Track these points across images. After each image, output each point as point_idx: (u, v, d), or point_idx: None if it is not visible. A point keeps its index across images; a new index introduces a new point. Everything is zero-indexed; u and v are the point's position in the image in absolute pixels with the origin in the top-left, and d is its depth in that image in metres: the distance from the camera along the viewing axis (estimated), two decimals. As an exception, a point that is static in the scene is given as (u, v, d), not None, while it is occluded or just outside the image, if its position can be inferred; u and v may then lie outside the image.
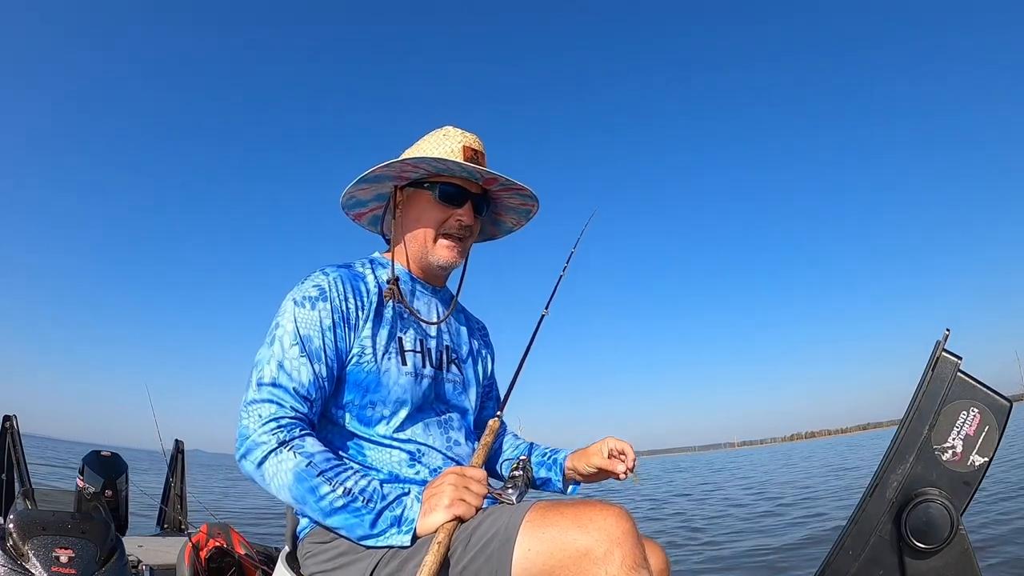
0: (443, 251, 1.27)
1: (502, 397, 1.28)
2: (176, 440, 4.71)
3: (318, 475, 1.01)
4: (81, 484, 3.04)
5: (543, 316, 1.40)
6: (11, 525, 1.89)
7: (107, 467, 3.14)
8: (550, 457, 1.44)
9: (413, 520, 1.00)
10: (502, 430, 1.50)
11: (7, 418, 3.85)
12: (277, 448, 1.02)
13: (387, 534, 1.00)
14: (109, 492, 3.04)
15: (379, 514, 1.00)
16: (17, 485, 3.73)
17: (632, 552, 0.85)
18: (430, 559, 0.90)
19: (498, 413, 1.25)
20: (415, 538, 0.99)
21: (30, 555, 1.81)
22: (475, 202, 1.28)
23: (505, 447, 1.49)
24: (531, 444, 1.50)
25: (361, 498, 1.01)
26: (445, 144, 1.26)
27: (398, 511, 1.01)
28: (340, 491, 1.00)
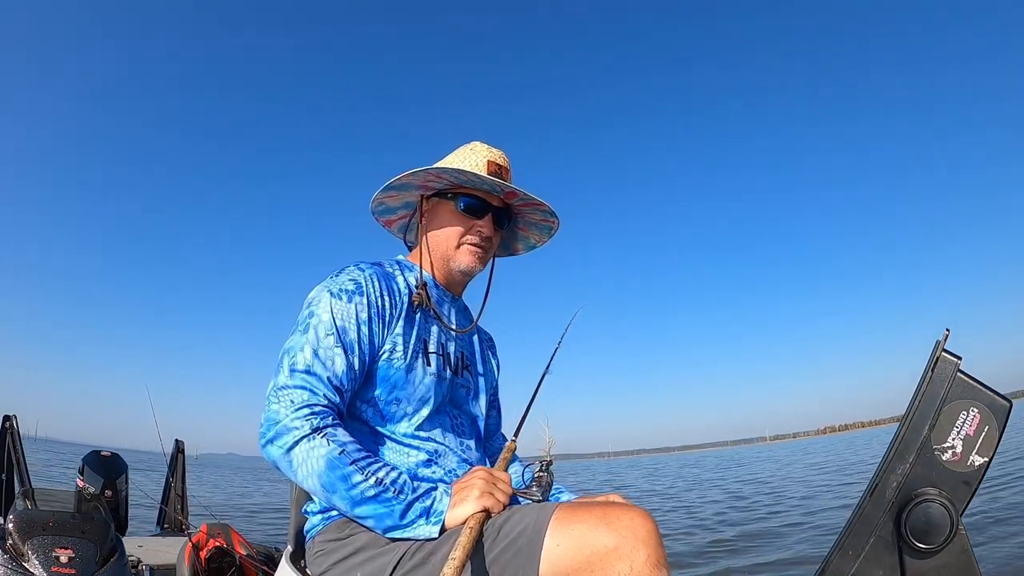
0: (465, 256, 1.34)
1: (503, 411, 1.30)
2: (176, 440, 4.82)
3: (351, 464, 1.05)
4: (81, 484, 3.12)
5: (544, 374, 1.47)
6: (11, 525, 1.96)
7: (107, 467, 3.23)
8: (553, 496, 1.47)
9: (442, 512, 1.05)
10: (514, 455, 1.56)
11: (7, 418, 3.95)
12: (310, 434, 1.06)
13: (415, 525, 1.05)
14: (109, 492, 3.12)
15: (409, 505, 1.05)
16: (17, 485, 3.84)
17: (656, 551, 0.92)
18: (463, 539, 0.95)
19: (513, 438, 1.32)
20: (442, 530, 1.04)
21: (30, 555, 1.88)
22: (496, 215, 1.36)
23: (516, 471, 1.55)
24: None
25: (392, 489, 1.05)
26: (471, 158, 1.33)
27: (428, 502, 1.07)
28: (372, 480, 1.05)
